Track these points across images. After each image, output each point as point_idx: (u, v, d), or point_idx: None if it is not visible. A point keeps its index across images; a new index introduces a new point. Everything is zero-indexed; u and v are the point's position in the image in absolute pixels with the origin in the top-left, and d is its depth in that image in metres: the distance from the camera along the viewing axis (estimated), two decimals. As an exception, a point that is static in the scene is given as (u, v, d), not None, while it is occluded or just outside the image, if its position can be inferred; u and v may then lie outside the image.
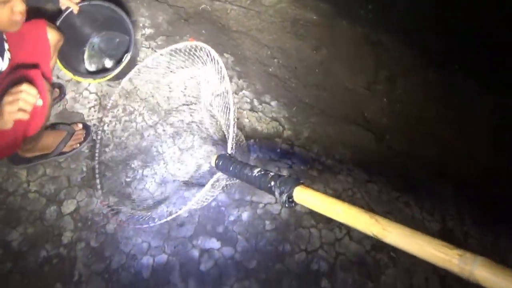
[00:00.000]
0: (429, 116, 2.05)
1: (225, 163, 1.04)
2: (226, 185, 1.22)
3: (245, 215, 1.47)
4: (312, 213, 1.50)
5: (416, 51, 2.18)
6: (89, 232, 1.43)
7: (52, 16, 1.54)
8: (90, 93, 1.69)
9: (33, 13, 1.72)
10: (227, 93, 1.14)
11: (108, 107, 1.51)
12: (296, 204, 0.79)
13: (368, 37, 2.22)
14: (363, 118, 2.00)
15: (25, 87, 0.96)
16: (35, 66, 1.22)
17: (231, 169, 1.01)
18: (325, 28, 2.24)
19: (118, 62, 1.51)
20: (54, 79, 1.67)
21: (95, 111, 1.66)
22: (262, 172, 0.89)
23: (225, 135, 1.31)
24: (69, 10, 1.47)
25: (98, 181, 1.36)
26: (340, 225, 1.48)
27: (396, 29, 2.18)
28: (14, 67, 1.17)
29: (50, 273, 1.36)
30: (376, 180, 1.70)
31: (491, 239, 1.63)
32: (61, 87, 1.67)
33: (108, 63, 1.75)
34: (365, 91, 2.08)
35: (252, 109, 1.81)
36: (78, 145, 1.55)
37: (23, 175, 1.50)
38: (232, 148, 1.08)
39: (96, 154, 1.41)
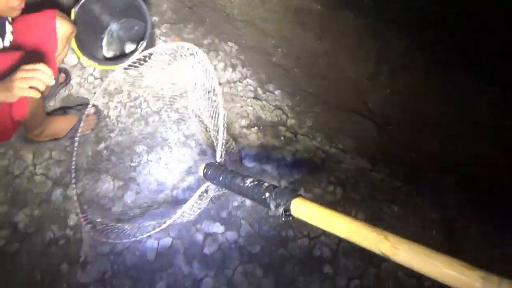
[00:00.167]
0: (431, 108, 2.06)
1: (214, 172, 0.96)
2: (214, 196, 1.16)
3: (249, 201, 1.49)
4: (315, 199, 1.52)
5: (419, 43, 2.18)
6: (95, 215, 1.44)
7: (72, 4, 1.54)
8: (95, 78, 1.69)
9: (51, 2, 1.73)
10: (215, 95, 1.09)
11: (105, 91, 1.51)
12: (293, 218, 0.72)
13: (372, 29, 2.22)
14: (366, 108, 2.01)
15: (42, 66, 0.95)
16: (40, 56, 1.22)
17: (220, 179, 0.94)
18: (329, 18, 2.24)
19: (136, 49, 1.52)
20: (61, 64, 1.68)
21: (100, 96, 1.67)
22: (256, 183, 0.82)
23: (213, 142, 1.24)
24: None
25: (74, 191, 1.29)
26: (343, 212, 1.50)
27: (400, 21, 2.18)
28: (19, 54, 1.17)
29: (56, 254, 1.38)
30: (379, 169, 1.72)
31: (491, 230, 1.65)
32: (66, 72, 1.67)
33: (129, 48, 1.77)
34: (368, 82, 2.08)
35: (256, 97, 1.82)
36: (89, 130, 1.56)
37: (29, 158, 1.52)
38: (221, 156, 1.01)
39: (73, 159, 1.32)
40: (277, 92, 1.91)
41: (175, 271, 1.35)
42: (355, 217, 1.58)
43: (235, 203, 1.48)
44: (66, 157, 1.54)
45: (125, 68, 1.46)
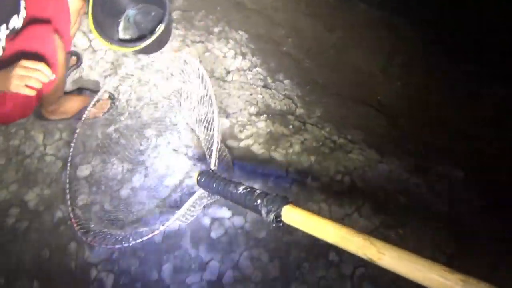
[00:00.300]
0: (442, 102, 2.03)
1: (207, 180, 0.98)
2: (207, 204, 1.18)
3: (256, 186, 1.49)
4: (322, 188, 1.52)
5: (433, 37, 2.15)
6: (103, 196, 1.46)
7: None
8: (106, 62, 1.70)
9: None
10: (209, 98, 1.10)
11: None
12: (284, 224, 0.75)
13: (384, 20, 2.20)
14: (376, 100, 1.99)
15: (41, 66, 0.96)
16: (55, 29, 1.22)
17: (214, 186, 0.96)
18: (341, 9, 2.22)
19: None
20: (72, 47, 1.69)
21: (111, 80, 1.68)
22: (248, 190, 0.85)
23: (205, 151, 1.26)
24: None
25: (68, 196, 1.31)
26: (350, 201, 1.50)
27: (413, 14, 2.16)
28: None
29: (65, 233, 1.40)
30: (387, 161, 1.70)
31: (499, 224, 1.63)
32: (78, 55, 1.68)
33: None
34: (379, 74, 2.07)
35: (265, 86, 1.82)
36: (102, 114, 1.57)
37: (40, 138, 1.53)
38: (215, 164, 1.03)
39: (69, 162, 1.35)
40: (286, 81, 1.90)
41: (181, 253, 1.36)
42: (362, 206, 1.57)
43: (243, 189, 1.49)
44: (76, 139, 1.55)
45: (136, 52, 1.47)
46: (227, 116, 1.64)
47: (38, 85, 0.97)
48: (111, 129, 1.58)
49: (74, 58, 1.67)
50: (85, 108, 1.52)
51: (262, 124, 1.64)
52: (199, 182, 1.01)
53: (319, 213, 1.49)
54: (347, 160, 1.62)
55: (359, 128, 1.81)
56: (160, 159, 1.52)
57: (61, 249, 1.39)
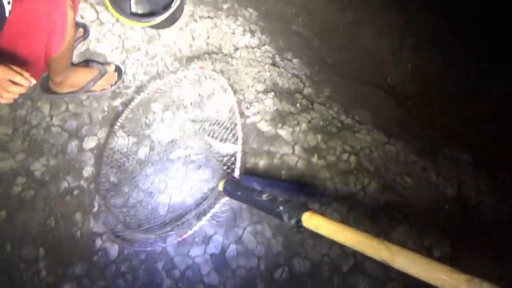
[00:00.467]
0: (452, 86, 1.99)
1: (234, 187, 1.07)
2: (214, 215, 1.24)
3: (261, 164, 1.48)
4: (328, 167, 1.51)
5: (446, 21, 2.09)
6: (109, 168, 1.46)
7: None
8: (113, 35, 1.68)
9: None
10: (233, 112, 1.21)
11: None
12: (304, 229, 0.83)
13: (397, 1, 2.14)
14: (385, 82, 1.95)
15: (19, 79, 0.92)
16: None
17: (239, 193, 1.04)
18: (353, -11, 2.16)
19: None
20: (79, 19, 1.67)
21: (118, 53, 1.66)
22: (271, 198, 0.93)
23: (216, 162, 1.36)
24: None
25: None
26: (356, 180, 1.48)
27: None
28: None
29: (71, 202, 1.41)
30: (394, 143, 1.68)
31: (507, 208, 1.61)
32: (85, 27, 1.66)
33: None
34: (390, 56, 2.02)
35: (273, 64, 1.79)
36: (109, 86, 1.56)
37: (47, 109, 1.53)
38: (239, 173, 1.12)
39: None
40: (295, 60, 1.87)
41: (185, 226, 1.36)
42: (368, 185, 1.55)
43: (248, 165, 1.48)
44: (82, 111, 1.55)
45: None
46: (235, 92, 1.62)
47: (12, 96, 0.96)
48: (117, 102, 1.58)
49: (81, 30, 1.65)
50: (92, 81, 1.51)
51: (269, 102, 1.62)
52: (225, 190, 1.10)
53: (324, 191, 1.48)
54: (354, 140, 1.60)
55: (367, 109, 1.78)
56: (165, 133, 1.52)
57: (66, 218, 1.40)
